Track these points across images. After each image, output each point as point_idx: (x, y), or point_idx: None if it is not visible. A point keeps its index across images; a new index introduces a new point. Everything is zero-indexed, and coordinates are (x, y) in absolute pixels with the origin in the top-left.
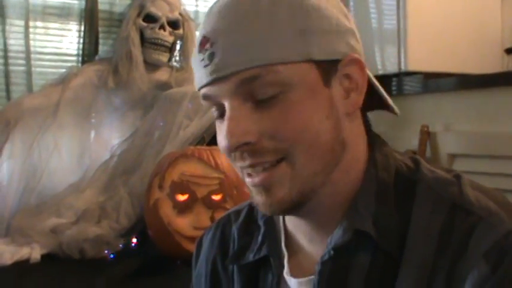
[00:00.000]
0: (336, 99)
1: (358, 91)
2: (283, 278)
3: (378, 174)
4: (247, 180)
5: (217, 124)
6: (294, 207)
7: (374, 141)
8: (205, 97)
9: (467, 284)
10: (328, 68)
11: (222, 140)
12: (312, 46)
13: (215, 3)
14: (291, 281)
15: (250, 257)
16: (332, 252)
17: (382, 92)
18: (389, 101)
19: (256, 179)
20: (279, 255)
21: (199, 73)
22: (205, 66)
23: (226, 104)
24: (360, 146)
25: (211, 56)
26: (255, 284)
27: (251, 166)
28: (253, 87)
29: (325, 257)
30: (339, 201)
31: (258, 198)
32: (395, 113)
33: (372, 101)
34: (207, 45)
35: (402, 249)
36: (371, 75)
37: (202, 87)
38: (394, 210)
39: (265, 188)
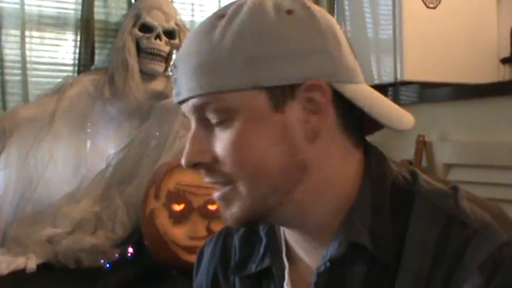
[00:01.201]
0: (291, 124)
1: (319, 115)
2: None
3: (373, 187)
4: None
5: None
6: (252, 223)
7: (369, 154)
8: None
9: None
10: (281, 93)
11: None
12: (261, 73)
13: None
14: None
15: (253, 268)
16: (328, 263)
17: (375, 114)
18: (386, 118)
19: (215, 194)
20: (280, 266)
21: None
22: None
23: (192, 124)
24: (335, 165)
25: (175, 81)
26: None
27: (210, 183)
28: (205, 112)
29: (320, 269)
30: (327, 216)
31: (220, 211)
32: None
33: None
34: (174, 70)
35: (399, 260)
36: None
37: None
38: (389, 222)
39: (222, 203)
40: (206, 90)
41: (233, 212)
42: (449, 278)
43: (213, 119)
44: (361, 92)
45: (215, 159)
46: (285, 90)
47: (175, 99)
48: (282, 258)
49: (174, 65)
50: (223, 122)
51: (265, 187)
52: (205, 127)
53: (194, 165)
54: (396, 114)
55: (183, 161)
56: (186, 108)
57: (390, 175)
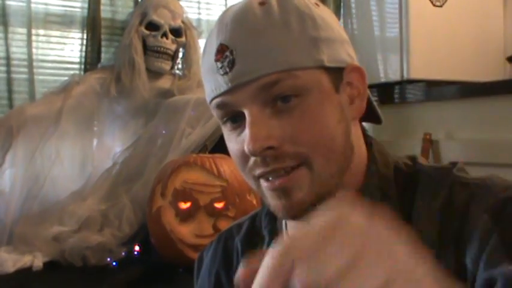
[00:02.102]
0: (345, 104)
1: (360, 97)
2: None
3: (379, 170)
4: (265, 185)
5: (232, 134)
6: (308, 210)
7: (371, 141)
8: (222, 105)
9: (474, 240)
10: (336, 75)
11: (241, 147)
12: (323, 54)
13: (225, 13)
14: None
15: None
16: None
17: (373, 102)
18: (377, 109)
19: (276, 183)
20: None
21: (216, 82)
22: (224, 74)
23: (246, 111)
24: (362, 148)
25: (232, 64)
26: None
27: (273, 171)
28: (273, 92)
29: None
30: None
31: (276, 203)
32: (379, 122)
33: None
34: (227, 53)
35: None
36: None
37: (218, 96)
38: (397, 202)
39: (285, 191)
40: (281, 67)
41: (298, 197)
42: (460, 235)
43: (282, 98)
44: None
45: (284, 141)
46: (339, 72)
47: (233, 83)
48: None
49: (227, 48)
50: (295, 100)
51: (333, 165)
52: (268, 109)
53: (263, 150)
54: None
55: (250, 148)
56: (247, 91)
57: (392, 160)
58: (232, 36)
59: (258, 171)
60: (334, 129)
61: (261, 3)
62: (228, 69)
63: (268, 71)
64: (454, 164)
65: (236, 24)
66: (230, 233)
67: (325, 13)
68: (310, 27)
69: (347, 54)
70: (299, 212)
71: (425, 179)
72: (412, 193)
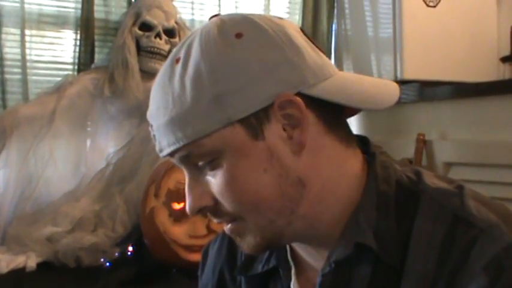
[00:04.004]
0: (276, 145)
1: (300, 128)
2: None
3: (378, 186)
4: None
5: None
6: (270, 247)
7: (371, 154)
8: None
9: None
10: (256, 120)
11: None
12: (229, 108)
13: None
14: None
15: (259, 268)
16: (333, 265)
17: (353, 103)
18: (365, 103)
19: (226, 228)
20: (286, 266)
21: None
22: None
23: (184, 171)
24: (331, 169)
25: (154, 138)
26: None
27: (218, 221)
28: (191, 161)
29: (326, 270)
30: (334, 220)
31: (236, 242)
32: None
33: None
34: (150, 128)
35: (404, 260)
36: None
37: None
38: (394, 222)
39: (235, 236)
40: (184, 142)
41: (248, 243)
42: (454, 278)
43: (200, 164)
44: (334, 86)
45: (216, 201)
46: (258, 116)
47: (160, 155)
48: (287, 259)
49: (149, 123)
50: (211, 165)
51: (269, 213)
52: (198, 172)
53: (199, 211)
54: (375, 95)
55: (187, 210)
56: (174, 160)
57: (394, 175)
58: (150, 110)
59: None
60: (258, 181)
61: (174, 61)
62: (155, 142)
63: (176, 147)
64: (460, 188)
65: (151, 98)
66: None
67: (243, 47)
68: (208, 87)
69: (276, 85)
70: (256, 252)
71: (427, 200)
72: (411, 213)
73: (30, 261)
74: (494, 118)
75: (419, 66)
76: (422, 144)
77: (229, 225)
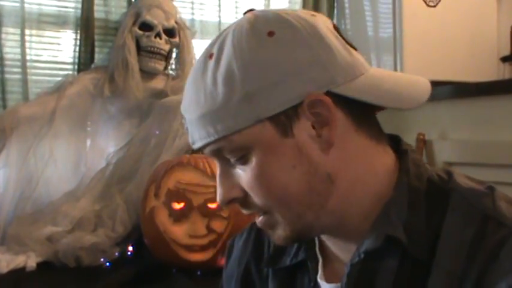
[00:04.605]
0: (304, 143)
1: (329, 126)
2: (318, 282)
3: (410, 182)
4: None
5: None
6: (300, 239)
7: (403, 151)
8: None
9: None
10: (285, 118)
11: None
12: (259, 106)
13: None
14: (325, 286)
15: (287, 261)
16: (362, 255)
17: (382, 103)
18: (394, 102)
19: (257, 220)
20: (315, 259)
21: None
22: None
23: (216, 163)
24: (359, 165)
25: (187, 130)
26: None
27: (248, 213)
28: (222, 155)
29: (354, 260)
30: (363, 214)
31: (267, 234)
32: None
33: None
34: (184, 120)
35: (432, 256)
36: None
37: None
38: (424, 218)
39: (266, 228)
40: (215, 137)
41: (279, 234)
42: (483, 276)
43: (231, 158)
44: (363, 85)
45: (246, 193)
46: (288, 114)
47: (193, 147)
48: (315, 252)
49: (183, 115)
50: (241, 160)
51: (297, 208)
52: (229, 164)
53: (229, 202)
54: (404, 94)
55: (218, 200)
56: (206, 152)
57: (426, 173)
58: (184, 103)
59: None
60: (287, 177)
61: (208, 57)
62: (188, 133)
63: (207, 141)
64: (491, 189)
65: (186, 87)
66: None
67: (275, 46)
68: (239, 84)
69: (305, 84)
70: (286, 243)
71: (457, 199)
72: (441, 210)
73: (30, 261)
74: (494, 118)
75: (419, 66)
76: (422, 144)
77: (260, 218)
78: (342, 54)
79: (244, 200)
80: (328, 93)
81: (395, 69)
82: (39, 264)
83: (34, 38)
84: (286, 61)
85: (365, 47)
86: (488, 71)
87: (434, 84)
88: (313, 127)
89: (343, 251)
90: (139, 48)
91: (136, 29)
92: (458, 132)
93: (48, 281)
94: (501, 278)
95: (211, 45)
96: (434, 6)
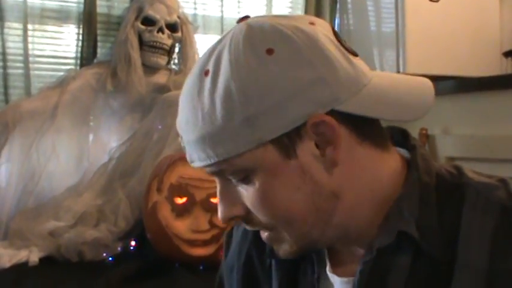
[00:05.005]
0: (308, 163)
1: (333, 145)
2: (325, 274)
3: (420, 177)
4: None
5: None
6: (305, 252)
7: (412, 146)
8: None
9: None
10: (288, 140)
11: None
12: (261, 129)
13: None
14: (335, 279)
15: None
16: (375, 252)
17: (385, 116)
18: (397, 115)
19: (263, 235)
20: (323, 264)
21: None
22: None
23: (216, 179)
24: (366, 178)
25: (185, 148)
26: (294, 279)
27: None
28: (223, 175)
29: (367, 257)
30: (370, 220)
31: (273, 246)
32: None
33: None
34: (180, 138)
35: (451, 254)
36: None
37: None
38: (436, 214)
39: (271, 243)
40: (214, 160)
41: (285, 249)
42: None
43: (232, 179)
44: (367, 99)
45: (248, 211)
46: (291, 135)
47: (191, 165)
48: (323, 257)
49: (179, 133)
50: (243, 180)
51: (302, 227)
52: (230, 182)
53: (231, 219)
54: (409, 105)
55: (220, 218)
56: (206, 171)
57: (434, 168)
58: (179, 122)
59: None
60: (290, 199)
61: (203, 74)
62: (186, 152)
63: (207, 163)
64: (503, 181)
65: (181, 106)
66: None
67: (275, 65)
68: (240, 107)
69: (307, 104)
70: (293, 257)
71: (472, 194)
72: (456, 206)
73: (33, 255)
74: (496, 112)
75: (421, 61)
76: (425, 138)
77: (265, 234)
78: (344, 67)
79: (247, 217)
80: (331, 112)
81: (397, 65)
82: (41, 259)
83: (36, 33)
84: (287, 81)
85: (368, 42)
86: (491, 66)
87: (437, 79)
88: (317, 146)
89: (350, 253)
90: (141, 43)
91: (138, 23)
92: (461, 127)
93: (51, 275)
94: None
95: (206, 61)
96: (437, 1)
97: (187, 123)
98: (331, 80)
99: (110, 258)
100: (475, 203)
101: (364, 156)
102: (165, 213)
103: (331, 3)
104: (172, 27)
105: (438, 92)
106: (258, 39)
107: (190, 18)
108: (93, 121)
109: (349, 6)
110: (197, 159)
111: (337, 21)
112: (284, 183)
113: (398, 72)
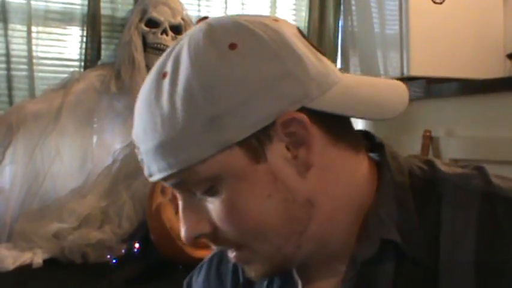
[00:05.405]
0: (279, 167)
1: (306, 146)
2: None
3: (394, 178)
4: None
5: None
6: (279, 272)
7: (379, 145)
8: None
9: None
10: (257, 142)
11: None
12: (226, 130)
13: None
14: None
15: None
16: (359, 266)
17: (357, 114)
18: (369, 113)
19: (231, 256)
20: (293, 285)
21: None
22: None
23: (178, 196)
24: (341, 181)
25: (142, 161)
26: None
27: (220, 249)
28: (185, 188)
29: (350, 273)
30: (348, 230)
31: (243, 268)
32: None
33: None
34: (137, 150)
35: (433, 254)
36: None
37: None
38: (415, 214)
39: (241, 264)
40: (177, 168)
41: (256, 270)
42: (505, 258)
43: (197, 191)
44: (339, 97)
45: (216, 227)
46: (259, 136)
47: (150, 180)
48: (293, 277)
49: (136, 144)
50: (209, 192)
51: (275, 240)
52: (194, 196)
53: (196, 238)
54: (382, 103)
55: (183, 238)
56: (167, 185)
57: (406, 165)
58: (136, 131)
59: None
60: (261, 208)
61: (161, 76)
62: (143, 165)
63: (167, 174)
64: (479, 169)
65: (136, 119)
66: (221, 256)
67: (239, 60)
68: (202, 107)
69: (277, 101)
70: (265, 278)
71: (449, 188)
72: (434, 204)
73: (37, 257)
74: (500, 115)
75: (425, 63)
76: (429, 140)
77: (234, 254)
78: (313, 63)
79: (214, 235)
80: (303, 109)
81: (401, 66)
82: (45, 261)
83: (40, 35)
84: (252, 77)
85: (371, 44)
86: (495, 68)
87: (441, 81)
88: (288, 148)
89: (327, 269)
90: (145, 45)
91: (142, 25)
92: (464, 129)
93: (55, 277)
94: None
95: (163, 63)
96: (441, 3)
97: (145, 132)
98: (301, 75)
99: (114, 260)
100: (454, 197)
101: (339, 158)
102: (169, 215)
103: (335, 4)
104: (176, 29)
105: (442, 94)
106: (220, 34)
107: (194, 20)
108: (97, 123)
109: (353, 8)
110: (157, 170)
111: (341, 23)
112: (253, 190)
113: (402, 74)
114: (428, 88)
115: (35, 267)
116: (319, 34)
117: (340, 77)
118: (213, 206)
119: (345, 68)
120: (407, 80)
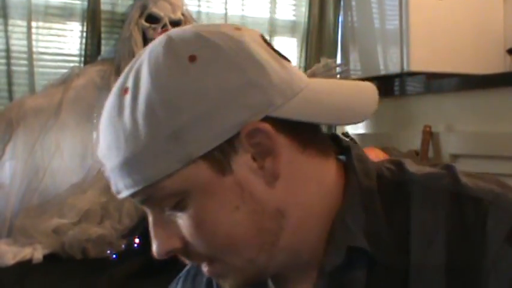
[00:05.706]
0: (246, 179)
1: (272, 156)
2: None
3: (360, 182)
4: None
5: None
6: (254, 282)
7: (345, 147)
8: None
9: (498, 274)
10: (221, 154)
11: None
12: (190, 144)
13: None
14: None
15: None
16: (327, 276)
17: (324, 121)
18: (337, 119)
19: (204, 270)
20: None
21: None
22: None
23: (147, 211)
24: (310, 189)
25: (109, 178)
26: None
27: (193, 263)
28: (154, 204)
29: (319, 283)
30: (319, 237)
31: (217, 281)
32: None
33: None
34: (103, 167)
35: (406, 257)
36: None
37: None
38: (384, 219)
39: (215, 277)
40: (142, 185)
41: (230, 283)
42: (474, 258)
43: (165, 207)
44: (304, 104)
45: (187, 242)
46: (224, 149)
47: (117, 197)
48: (267, 286)
49: (101, 161)
50: (177, 207)
51: (247, 253)
52: (163, 212)
53: (167, 254)
54: (349, 108)
55: (154, 254)
56: (135, 201)
57: (373, 168)
58: (101, 148)
59: None
60: (229, 221)
61: (122, 91)
62: (110, 182)
63: (134, 190)
64: (448, 168)
65: (101, 136)
66: (197, 269)
67: (199, 72)
68: (163, 122)
69: (241, 111)
70: (245, 287)
71: (418, 190)
72: (403, 206)
73: (37, 253)
74: (500, 110)
75: (425, 58)
76: (429, 136)
77: (207, 268)
78: (276, 71)
79: (185, 249)
80: (267, 119)
81: (401, 62)
82: (45, 256)
83: (41, 30)
84: (213, 88)
85: (372, 39)
86: (495, 63)
87: (441, 76)
88: (254, 159)
89: (301, 277)
90: (145, 40)
91: (142, 21)
92: (464, 124)
93: (55, 273)
94: (497, 256)
95: (125, 78)
96: None
97: (109, 149)
98: (263, 83)
99: (114, 256)
100: (423, 198)
101: (307, 166)
102: None
103: (335, 0)
104: (177, 25)
105: (442, 89)
106: (179, 47)
107: (194, 16)
108: (97, 118)
109: (353, 3)
110: (123, 187)
111: (341, 18)
112: (221, 203)
113: (402, 69)
114: (429, 83)
115: (35, 263)
116: (319, 30)
117: (307, 83)
118: (182, 221)
119: (345, 64)
120: (407, 75)
